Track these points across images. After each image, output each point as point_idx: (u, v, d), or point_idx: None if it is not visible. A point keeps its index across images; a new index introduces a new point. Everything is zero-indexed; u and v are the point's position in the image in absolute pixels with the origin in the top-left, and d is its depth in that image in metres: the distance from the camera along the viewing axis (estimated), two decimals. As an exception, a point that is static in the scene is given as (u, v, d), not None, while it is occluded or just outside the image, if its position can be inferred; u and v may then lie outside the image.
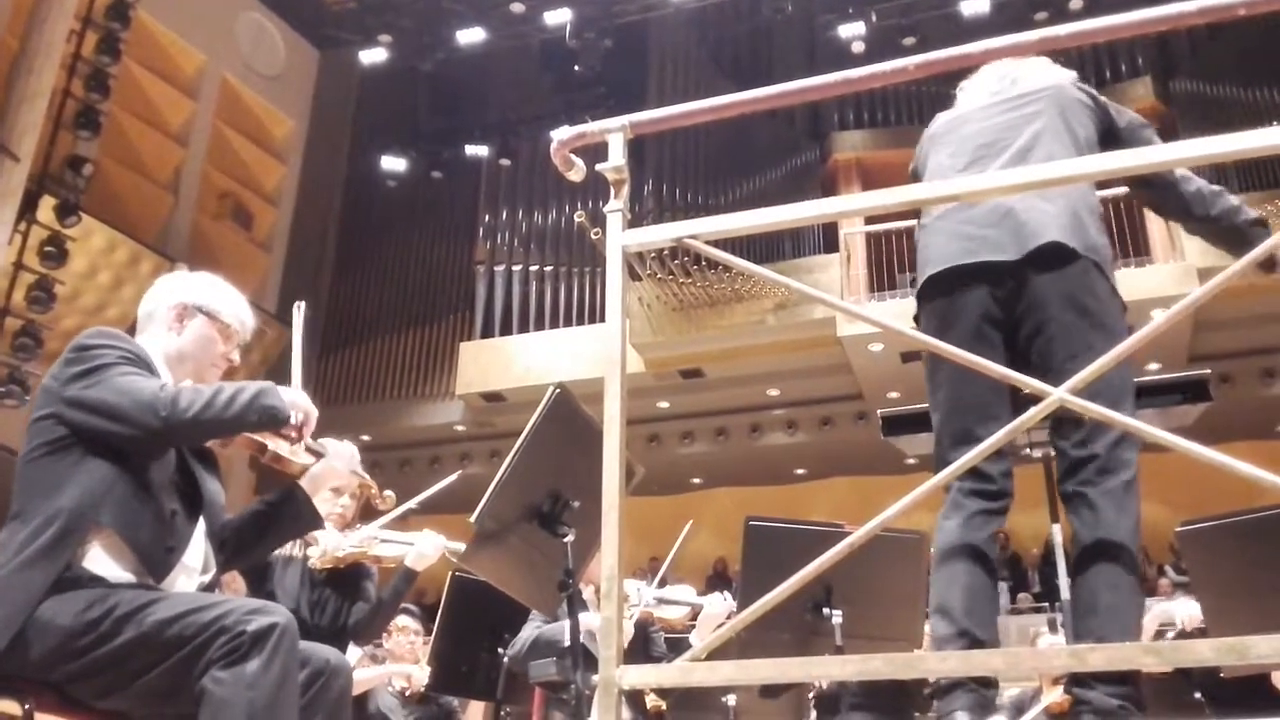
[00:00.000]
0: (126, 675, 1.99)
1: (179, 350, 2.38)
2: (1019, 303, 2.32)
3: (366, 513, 3.52)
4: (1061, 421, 2.28)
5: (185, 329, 2.39)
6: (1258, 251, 1.66)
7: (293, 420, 2.29)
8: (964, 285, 2.37)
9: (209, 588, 2.29)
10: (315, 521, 2.57)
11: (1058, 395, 1.66)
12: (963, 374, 2.25)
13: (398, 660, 4.96)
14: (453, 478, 3.86)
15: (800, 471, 15.14)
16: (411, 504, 3.63)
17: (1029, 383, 1.72)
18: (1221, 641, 1.82)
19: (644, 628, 4.13)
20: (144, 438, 2.12)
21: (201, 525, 2.30)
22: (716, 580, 12.89)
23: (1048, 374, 2.13)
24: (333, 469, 2.55)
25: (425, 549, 3.54)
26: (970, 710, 2.15)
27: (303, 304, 2.90)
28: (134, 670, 1.97)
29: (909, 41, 12.44)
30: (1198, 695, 3.98)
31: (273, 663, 1.91)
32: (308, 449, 2.49)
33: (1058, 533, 2.80)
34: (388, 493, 2.87)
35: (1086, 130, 2.50)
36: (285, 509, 2.48)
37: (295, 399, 2.31)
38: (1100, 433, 2.22)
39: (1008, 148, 2.48)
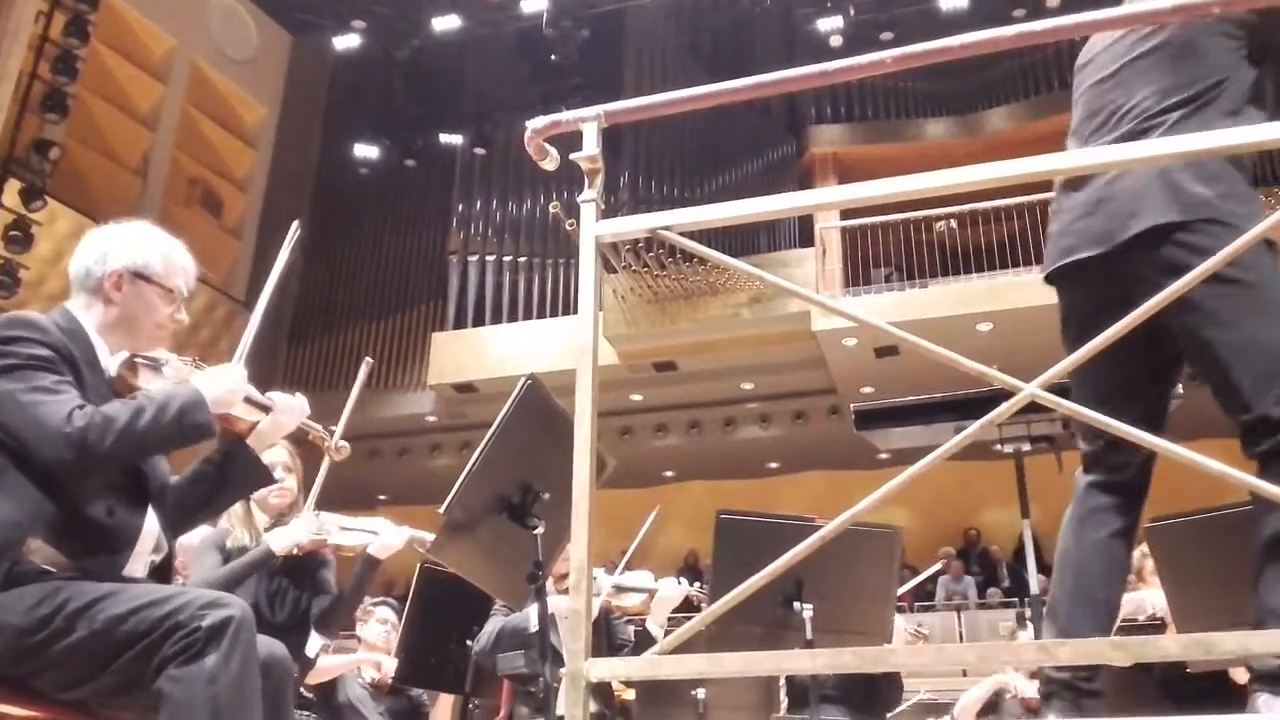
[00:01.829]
0: (83, 671, 1.94)
1: (118, 319, 2.21)
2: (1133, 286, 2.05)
3: (314, 457, 3.34)
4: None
5: (123, 298, 2.22)
6: (1232, 248, 1.66)
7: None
8: (1069, 284, 2.24)
9: (161, 566, 2.22)
10: (264, 478, 2.46)
11: (1029, 391, 1.66)
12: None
13: (371, 648, 4.91)
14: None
15: (773, 465, 15.17)
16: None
17: (999, 378, 1.71)
18: (1188, 637, 1.82)
19: (605, 616, 4.11)
20: (54, 470, 1.98)
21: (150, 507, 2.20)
22: (688, 573, 12.88)
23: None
24: (281, 425, 2.42)
25: (390, 539, 3.46)
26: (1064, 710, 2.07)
27: (296, 224, 2.76)
28: (90, 667, 1.93)
29: (887, 36, 12.46)
30: (1157, 687, 3.99)
31: (231, 656, 1.86)
32: (255, 404, 2.36)
33: (1028, 529, 2.81)
34: (342, 443, 2.75)
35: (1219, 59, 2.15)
36: (231, 469, 2.35)
37: (223, 396, 2.16)
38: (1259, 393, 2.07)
39: (1114, 112, 2.23)
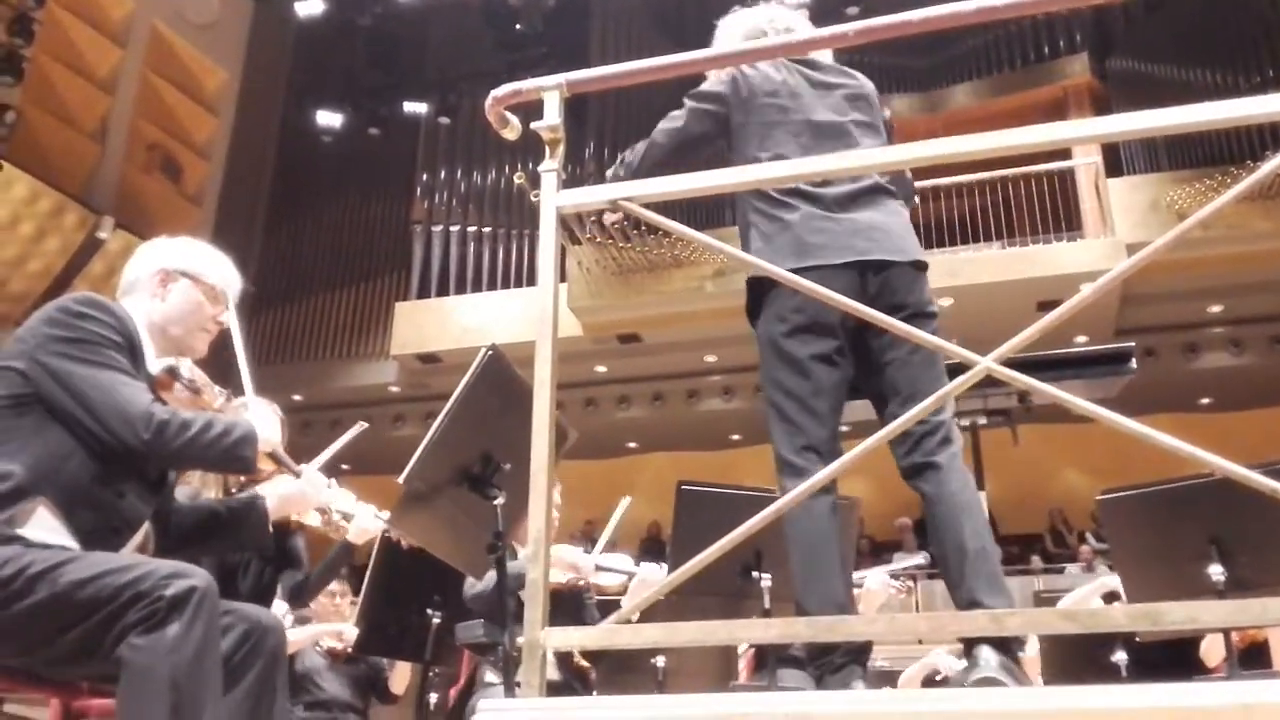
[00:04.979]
0: (40, 636, 1.93)
1: (164, 316, 2.35)
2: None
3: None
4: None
5: (169, 294, 2.36)
6: (1183, 226, 1.69)
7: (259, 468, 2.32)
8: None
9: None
10: (263, 544, 2.58)
11: (985, 364, 1.68)
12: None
13: (324, 621, 4.90)
14: (356, 429, 3.66)
15: (736, 437, 15.23)
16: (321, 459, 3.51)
17: (957, 351, 1.73)
18: (1135, 607, 1.87)
19: (579, 594, 4.13)
20: (114, 446, 2.08)
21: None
22: (650, 544, 12.96)
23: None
24: (303, 496, 2.57)
25: (367, 523, 3.47)
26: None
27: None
28: (47, 631, 1.92)
29: (853, 10, 12.44)
30: (1117, 658, 4.03)
31: (193, 627, 1.87)
32: (282, 462, 2.46)
33: (984, 501, 2.85)
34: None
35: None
36: (244, 520, 2.47)
37: (270, 438, 2.30)
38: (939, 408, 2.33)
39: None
